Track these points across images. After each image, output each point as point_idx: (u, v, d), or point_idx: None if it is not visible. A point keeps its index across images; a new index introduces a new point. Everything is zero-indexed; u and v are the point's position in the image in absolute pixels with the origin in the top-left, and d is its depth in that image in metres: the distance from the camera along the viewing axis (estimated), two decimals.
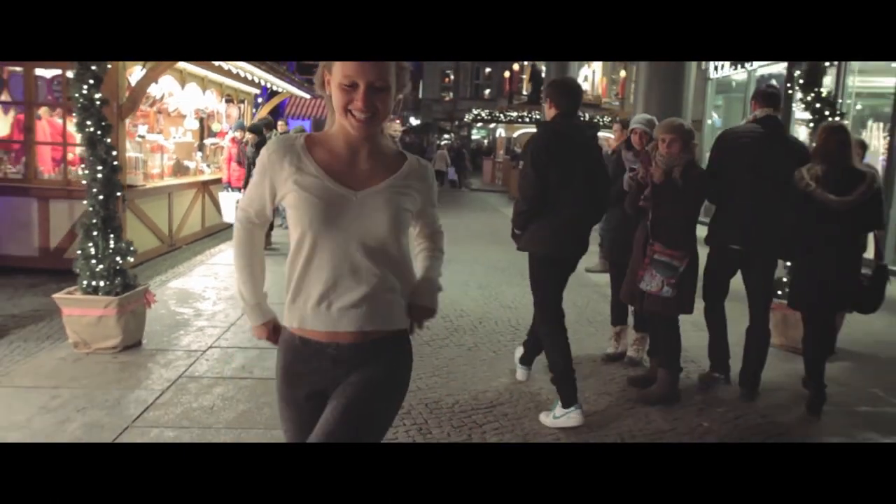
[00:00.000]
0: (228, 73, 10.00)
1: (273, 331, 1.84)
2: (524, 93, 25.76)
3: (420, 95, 49.66)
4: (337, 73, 1.61)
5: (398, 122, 8.17)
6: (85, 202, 4.62)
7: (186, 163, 9.53)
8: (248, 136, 8.46)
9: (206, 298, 6.13)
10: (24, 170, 6.98)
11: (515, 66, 26.68)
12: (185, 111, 9.46)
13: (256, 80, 11.54)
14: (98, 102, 4.53)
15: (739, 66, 12.31)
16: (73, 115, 4.67)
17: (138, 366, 4.35)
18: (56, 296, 4.58)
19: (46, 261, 6.93)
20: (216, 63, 8.87)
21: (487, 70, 43.88)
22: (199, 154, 10.12)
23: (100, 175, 4.53)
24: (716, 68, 13.68)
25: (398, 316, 1.74)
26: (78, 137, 4.79)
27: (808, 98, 4.57)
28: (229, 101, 11.28)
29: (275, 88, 12.89)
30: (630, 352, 4.60)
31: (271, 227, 8.16)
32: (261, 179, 1.72)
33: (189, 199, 9.10)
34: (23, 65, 6.80)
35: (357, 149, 1.69)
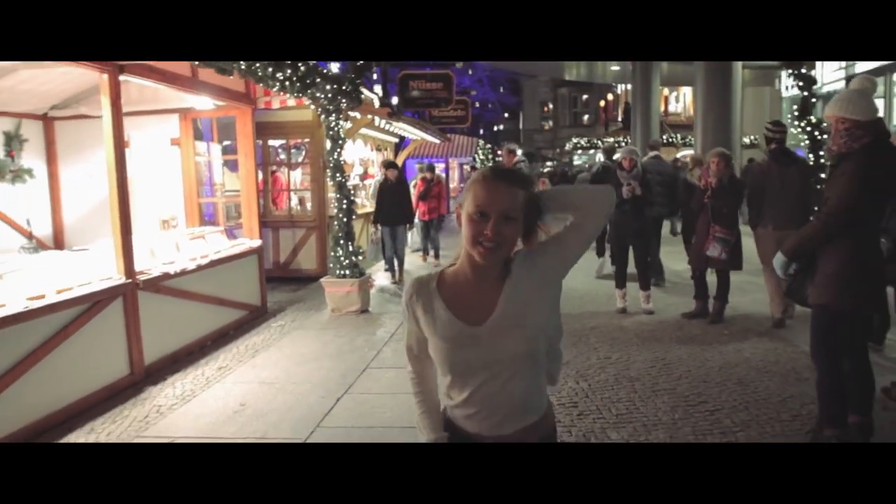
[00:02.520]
0: (382, 129, 13.05)
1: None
2: (619, 120, 27.94)
3: (521, 126, 52.33)
4: (469, 205, 1.64)
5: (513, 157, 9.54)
6: (335, 223, 7.55)
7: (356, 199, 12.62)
8: (388, 171, 9.87)
9: (396, 284, 8.98)
10: (263, 209, 10.14)
11: (609, 96, 28.96)
12: (350, 160, 12.59)
13: (397, 131, 14.59)
14: (342, 161, 7.45)
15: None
16: (327, 170, 7.59)
17: (374, 319, 7.16)
18: (322, 280, 7.53)
19: (277, 271, 10.00)
20: (376, 122, 11.86)
21: (584, 97, 46.06)
22: (363, 193, 13.19)
23: (344, 206, 7.45)
24: (787, 88, 15.51)
25: (545, 402, 1.81)
26: (324, 184, 7.74)
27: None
28: (378, 149, 14.42)
29: (410, 136, 15.97)
30: (644, 305, 6.91)
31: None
32: (407, 319, 1.80)
33: (359, 226, 12.11)
34: (261, 138, 9.98)
35: (482, 277, 1.70)
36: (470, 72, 43.86)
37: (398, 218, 9.51)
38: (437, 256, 11.41)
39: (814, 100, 6.99)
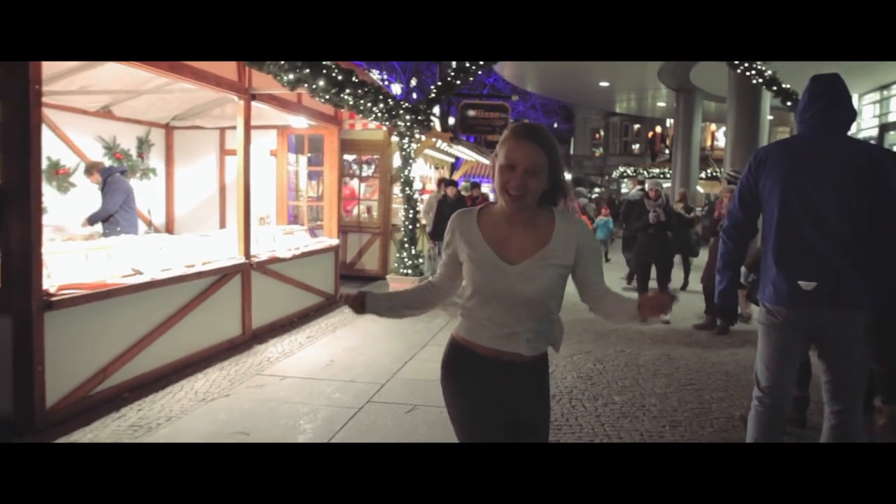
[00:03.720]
0: (440, 150, 14.44)
1: (354, 298, 2.15)
2: (666, 151, 28.86)
3: (571, 152, 53.29)
4: (501, 155, 1.90)
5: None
6: (400, 229, 8.89)
7: None
8: (448, 188, 10.97)
9: None
10: None
11: (658, 128, 29.95)
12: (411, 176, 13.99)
13: (454, 153, 15.98)
14: (411, 177, 8.79)
15: None
16: (396, 184, 8.94)
17: (431, 311, 8.42)
18: (388, 276, 8.88)
19: (344, 269, 11.30)
20: (437, 144, 13.24)
21: (636, 126, 46.88)
22: (420, 206, 14.57)
23: (410, 216, 8.79)
24: None
25: (541, 346, 2.07)
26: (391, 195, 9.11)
27: None
28: (436, 168, 15.82)
29: (465, 157, 17.34)
30: (662, 316, 8.07)
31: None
32: (448, 243, 2.10)
33: (417, 234, 13.48)
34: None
35: (514, 222, 1.96)
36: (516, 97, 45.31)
37: None
38: None
39: None
